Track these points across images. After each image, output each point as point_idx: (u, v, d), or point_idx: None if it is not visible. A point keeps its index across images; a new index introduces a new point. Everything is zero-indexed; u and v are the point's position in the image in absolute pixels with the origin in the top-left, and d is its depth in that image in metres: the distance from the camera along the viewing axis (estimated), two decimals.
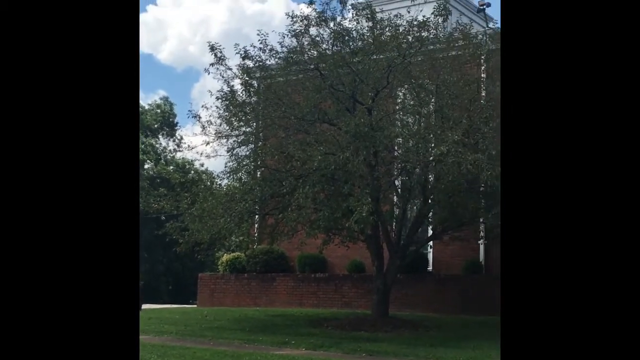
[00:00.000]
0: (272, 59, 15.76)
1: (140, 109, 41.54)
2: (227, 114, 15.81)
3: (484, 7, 22.45)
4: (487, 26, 18.83)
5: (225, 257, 21.89)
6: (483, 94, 15.25)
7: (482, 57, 16.02)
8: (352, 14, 15.80)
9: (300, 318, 16.60)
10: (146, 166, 45.79)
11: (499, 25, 17.00)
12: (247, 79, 15.93)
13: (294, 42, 15.41)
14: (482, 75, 15.99)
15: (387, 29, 15.08)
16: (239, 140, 16.09)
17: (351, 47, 15.24)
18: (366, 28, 15.40)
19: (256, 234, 18.92)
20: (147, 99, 59.09)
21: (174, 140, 50.28)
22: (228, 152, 16.15)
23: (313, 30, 15.31)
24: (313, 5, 15.24)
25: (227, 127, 15.91)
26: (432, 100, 14.78)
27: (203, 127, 15.99)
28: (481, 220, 15.47)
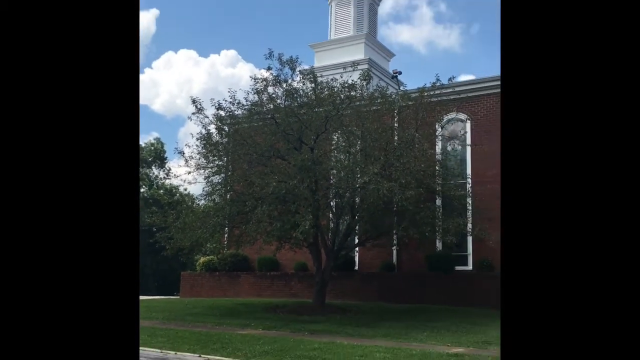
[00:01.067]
0: (239, 110, 15.73)
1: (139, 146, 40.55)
2: (204, 151, 15.72)
3: (397, 74, 22.83)
4: (399, 88, 19.09)
5: (202, 259, 21.57)
6: (396, 138, 15.41)
7: (395, 111, 16.22)
8: (300, 77, 15.88)
9: (259, 306, 16.41)
10: (142, 190, 44.94)
11: (408, 88, 17.25)
12: (220, 124, 15.90)
13: (256, 97, 15.44)
14: (395, 124, 16.16)
15: (325, 89, 15.21)
16: (213, 171, 15.99)
17: (298, 102, 15.32)
18: (310, 88, 15.49)
19: (225, 242, 18.71)
20: (144, 139, 58.17)
21: (163, 170, 49.47)
22: (205, 179, 16.11)
23: (270, 89, 15.39)
24: (271, 71, 15.34)
25: (204, 161, 15.82)
26: (358, 142, 14.89)
27: (186, 161, 15.86)
28: (394, 232, 15.58)
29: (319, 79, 15.60)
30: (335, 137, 15.58)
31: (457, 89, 17.04)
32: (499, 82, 17.64)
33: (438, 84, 15.51)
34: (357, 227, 15.79)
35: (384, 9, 56.94)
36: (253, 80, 15.30)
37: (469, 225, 15.57)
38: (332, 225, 15.91)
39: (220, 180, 16.09)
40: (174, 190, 45.77)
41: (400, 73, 22.76)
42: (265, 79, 15.24)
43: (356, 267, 18.97)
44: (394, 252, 18.22)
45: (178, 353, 9.13)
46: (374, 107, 15.64)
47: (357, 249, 17.96)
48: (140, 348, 9.15)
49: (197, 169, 15.89)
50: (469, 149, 17.80)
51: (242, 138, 15.26)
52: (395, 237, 16.25)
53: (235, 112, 15.78)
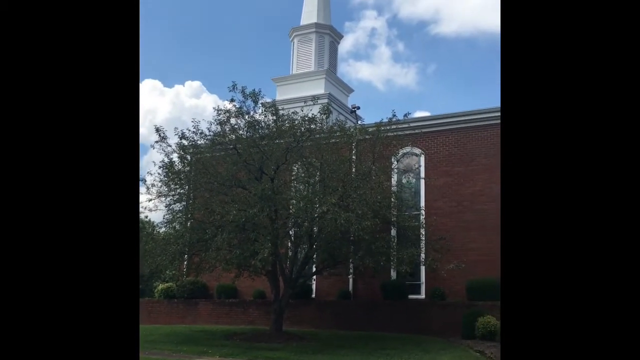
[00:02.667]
0: (202, 139, 15.71)
1: None
2: (166, 179, 15.57)
3: (355, 109, 23.23)
4: (357, 123, 19.43)
5: (161, 286, 21.14)
6: (353, 170, 15.63)
7: (353, 144, 16.49)
8: (262, 109, 16.02)
9: (217, 333, 16.18)
10: None
11: (366, 122, 17.61)
12: (182, 153, 15.79)
13: (219, 128, 15.46)
14: (353, 157, 16.41)
15: (286, 122, 15.36)
16: (175, 199, 15.87)
17: (260, 133, 15.41)
18: (271, 120, 15.62)
19: (185, 269, 18.46)
20: None
21: None
22: (166, 207, 15.94)
23: (233, 120, 15.43)
24: (234, 102, 15.41)
25: (166, 189, 15.66)
26: (317, 173, 15.02)
27: (148, 188, 15.64)
28: (350, 261, 15.68)
29: (281, 112, 15.76)
30: (295, 168, 15.69)
31: (412, 124, 17.47)
32: (452, 119, 18.21)
33: (394, 119, 15.86)
34: (314, 256, 15.84)
35: (344, 46, 58.07)
36: (216, 111, 15.37)
37: (422, 255, 15.81)
38: (290, 253, 15.91)
39: (181, 208, 15.95)
40: None
41: (358, 108, 23.18)
42: (228, 111, 15.31)
43: (313, 295, 18.94)
44: (350, 280, 18.30)
45: None
46: (333, 140, 15.87)
47: (314, 277, 17.98)
48: None
49: (159, 196, 15.72)
50: (422, 181, 18.17)
51: (204, 167, 15.23)
52: (351, 266, 16.35)
53: (198, 142, 15.75)
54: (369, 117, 51.92)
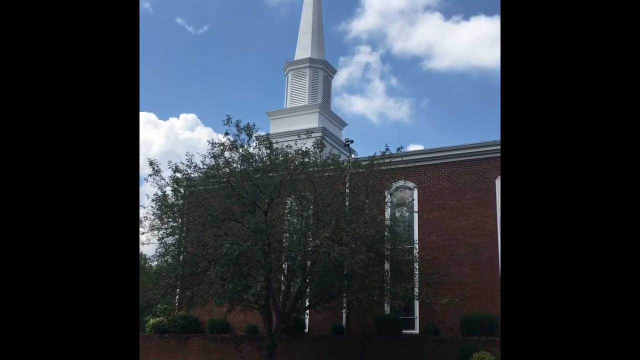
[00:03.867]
0: (196, 172, 15.73)
1: None
2: (159, 212, 15.54)
3: (349, 143, 23.35)
4: (350, 156, 19.53)
5: (152, 320, 20.86)
6: (347, 203, 15.63)
7: (347, 177, 16.54)
8: (256, 143, 16.08)
9: None
10: None
11: (359, 156, 17.69)
12: (176, 186, 15.78)
13: (213, 161, 15.50)
14: (347, 190, 16.43)
15: (280, 155, 15.43)
16: (167, 232, 15.79)
17: (254, 167, 15.46)
18: (265, 154, 15.69)
19: (177, 303, 18.26)
20: None
21: None
22: (159, 240, 15.85)
23: (227, 154, 15.48)
24: (228, 136, 15.49)
25: (159, 222, 15.61)
26: (311, 207, 15.02)
27: (140, 221, 15.58)
28: (344, 295, 15.56)
29: (274, 145, 15.85)
30: (288, 202, 15.69)
31: (405, 158, 17.56)
32: (444, 153, 18.32)
33: (387, 153, 15.95)
34: (308, 290, 15.71)
35: (338, 80, 58.82)
36: (210, 144, 15.43)
37: (416, 290, 15.71)
38: (283, 287, 15.78)
39: (173, 241, 15.87)
40: None
41: (352, 141, 23.29)
42: (222, 144, 15.37)
43: (306, 330, 18.72)
44: (344, 315, 18.12)
45: None
46: (327, 174, 15.91)
47: (307, 311, 17.79)
48: None
49: (151, 229, 15.66)
50: (415, 215, 18.17)
51: (198, 200, 15.21)
52: (345, 300, 16.21)
53: (192, 175, 15.76)
54: (363, 150, 52.21)
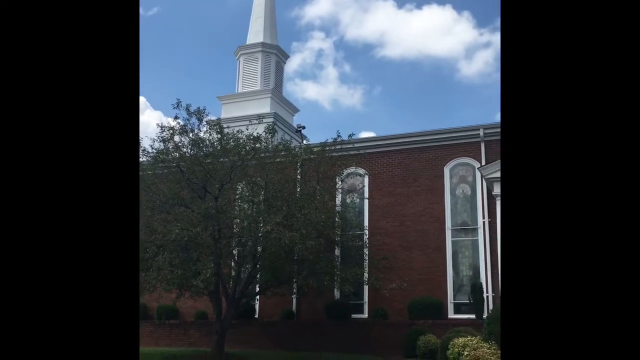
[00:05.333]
0: (144, 157, 15.42)
1: None
2: None
3: (301, 129, 23.36)
4: (302, 142, 19.57)
5: None
6: (298, 189, 15.66)
7: (298, 163, 16.54)
8: (206, 127, 15.88)
9: (156, 356, 15.73)
10: None
11: (311, 142, 17.72)
12: None
13: (162, 145, 15.21)
14: (298, 176, 16.45)
15: (231, 140, 15.28)
16: None
17: (204, 151, 15.28)
18: (216, 139, 15.51)
19: None
20: None
21: None
22: None
23: (177, 138, 15.24)
24: (178, 120, 15.24)
25: None
26: (262, 192, 14.99)
27: None
28: (294, 280, 15.63)
29: (225, 130, 15.68)
30: (239, 187, 15.59)
31: (356, 145, 17.69)
32: (395, 141, 18.54)
33: (339, 139, 16.03)
34: (258, 276, 15.71)
35: (291, 66, 58.49)
36: (160, 128, 15.14)
37: (365, 275, 15.93)
38: (233, 273, 15.72)
39: None
40: None
41: (303, 127, 23.32)
42: (172, 128, 15.11)
43: (256, 315, 18.75)
44: (294, 300, 18.23)
45: None
46: (278, 160, 15.88)
47: (257, 297, 17.80)
48: None
49: None
50: (366, 202, 18.38)
51: (146, 185, 14.92)
52: (295, 285, 16.30)
53: (140, 159, 15.44)
54: (315, 136, 52.29)
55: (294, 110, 26.71)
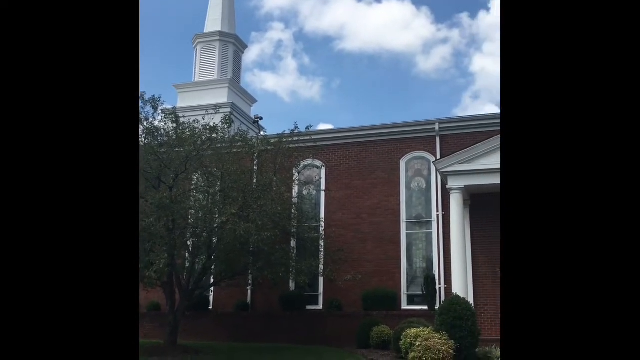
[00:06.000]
0: None
1: None
2: None
3: (258, 120, 23.23)
4: (259, 133, 19.47)
5: None
6: (254, 180, 15.60)
7: (255, 154, 16.47)
8: (162, 116, 15.63)
9: None
10: None
11: (269, 133, 17.68)
12: None
13: None
14: (254, 167, 16.39)
15: (187, 130, 15.08)
16: None
17: (159, 141, 15.03)
18: (171, 128, 15.28)
19: None
20: None
21: None
22: None
23: None
24: None
25: None
26: (218, 183, 14.86)
27: None
28: (249, 272, 15.60)
29: (181, 119, 15.46)
30: (195, 177, 15.43)
31: (314, 137, 17.72)
32: (352, 133, 18.64)
33: (296, 131, 16.03)
34: (213, 267, 15.61)
35: (249, 56, 57.94)
36: None
37: (321, 267, 16.02)
38: (187, 264, 15.57)
39: None
40: None
41: (261, 118, 23.18)
42: None
43: (211, 307, 18.63)
44: (249, 292, 18.19)
45: None
46: (235, 150, 15.77)
47: (212, 288, 17.69)
48: None
49: None
50: (322, 194, 18.46)
51: None
52: (250, 277, 16.27)
53: None
54: (273, 127, 52.08)
55: (251, 100, 26.54)
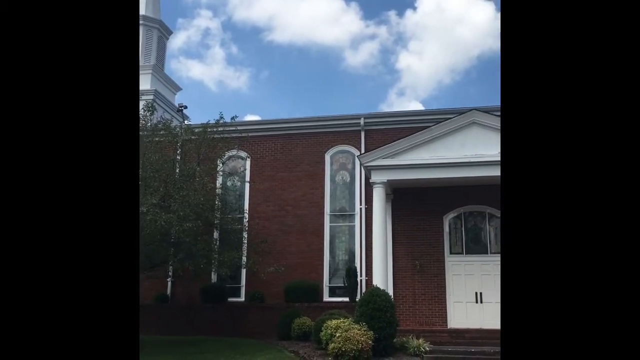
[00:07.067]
0: None
1: None
2: None
3: (182, 108, 22.77)
4: (183, 122, 19.09)
5: None
6: (177, 170, 15.32)
7: (178, 144, 16.18)
8: None
9: None
10: None
11: (193, 122, 17.37)
12: None
13: None
14: (177, 157, 16.09)
15: None
16: None
17: None
18: None
19: None
20: None
21: None
22: None
23: None
24: None
25: None
26: (139, 172, 14.47)
27: None
28: (170, 263, 15.32)
29: None
30: None
31: (239, 127, 17.58)
32: (279, 125, 18.64)
33: (222, 121, 15.85)
34: None
35: (175, 43, 56.50)
36: None
37: (244, 259, 15.97)
38: None
39: None
40: None
41: (185, 107, 22.71)
42: None
43: None
44: (169, 283, 17.88)
45: None
46: (157, 139, 15.42)
47: None
48: None
49: None
50: (247, 185, 18.38)
51: None
52: (170, 268, 15.99)
53: None
54: (199, 117, 51.12)
55: (176, 88, 25.96)
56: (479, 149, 14.97)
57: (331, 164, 18.29)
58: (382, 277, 14.84)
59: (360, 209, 17.52)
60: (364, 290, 16.09)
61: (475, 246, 16.60)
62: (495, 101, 18.73)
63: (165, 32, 25.83)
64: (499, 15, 46.35)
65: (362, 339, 11.45)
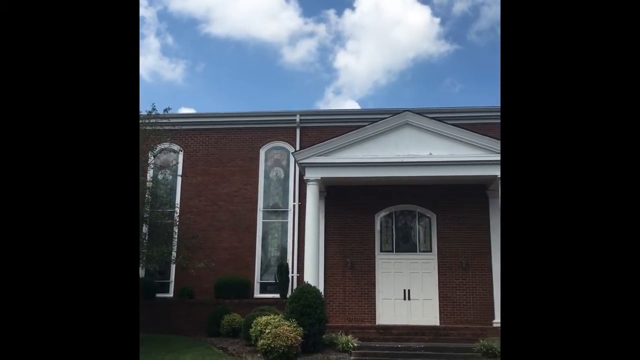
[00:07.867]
0: None
1: None
2: None
3: None
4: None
5: None
6: None
7: None
8: None
9: None
10: None
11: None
12: None
13: None
14: None
15: None
16: None
17: None
18: None
19: None
20: None
21: None
22: None
23: None
24: None
25: None
26: None
27: None
28: None
29: None
30: None
31: (172, 120, 17.22)
32: (213, 119, 18.39)
33: (154, 113, 15.49)
34: None
35: None
36: None
37: (174, 254, 15.69)
38: None
39: None
40: None
41: None
42: None
43: None
44: None
45: None
46: None
47: None
48: None
49: None
50: (179, 179, 18.06)
51: None
52: None
53: None
54: None
55: None
56: (411, 150, 15.33)
57: (266, 160, 18.24)
58: (314, 274, 14.95)
59: (294, 205, 17.57)
60: (295, 287, 16.14)
61: (404, 244, 16.99)
62: (428, 103, 19.18)
63: None
64: (434, 19, 47.57)
65: (292, 335, 11.51)
